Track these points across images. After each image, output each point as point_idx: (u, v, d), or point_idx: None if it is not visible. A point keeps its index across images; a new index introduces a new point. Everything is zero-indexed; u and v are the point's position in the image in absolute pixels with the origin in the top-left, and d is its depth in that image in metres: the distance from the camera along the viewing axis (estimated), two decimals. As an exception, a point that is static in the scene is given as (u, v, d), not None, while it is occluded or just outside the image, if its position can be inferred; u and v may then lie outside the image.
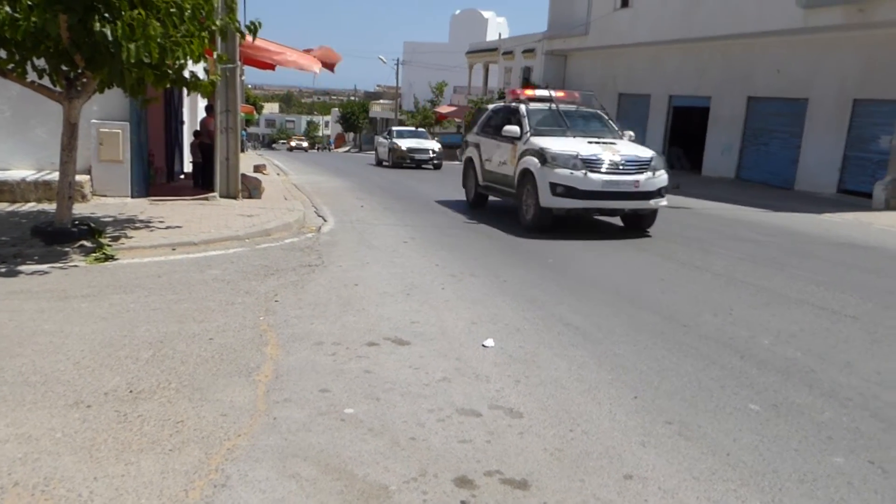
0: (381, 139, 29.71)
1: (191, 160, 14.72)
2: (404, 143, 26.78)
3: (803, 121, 20.65)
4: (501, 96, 37.15)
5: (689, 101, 25.96)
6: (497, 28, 58.50)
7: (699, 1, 23.74)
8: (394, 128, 31.33)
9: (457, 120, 48.84)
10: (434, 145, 27.36)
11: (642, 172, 9.92)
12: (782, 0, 19.87)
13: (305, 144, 73.06)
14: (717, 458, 3.35)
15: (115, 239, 7.74)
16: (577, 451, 3.37)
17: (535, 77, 35.85)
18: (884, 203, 15.63)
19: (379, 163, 28.80)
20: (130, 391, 3.83)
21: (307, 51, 13.92)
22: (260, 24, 8.01)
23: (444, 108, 49.47)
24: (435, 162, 26.81)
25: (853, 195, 18.35)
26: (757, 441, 3.56)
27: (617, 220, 11.11)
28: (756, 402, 4.06)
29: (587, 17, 31.36)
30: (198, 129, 14.36)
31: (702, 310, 6.13)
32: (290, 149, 66.57)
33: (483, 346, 4.90)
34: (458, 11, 65.68)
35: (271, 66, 13.96)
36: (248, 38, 8.26)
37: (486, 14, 63.36)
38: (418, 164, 26.55)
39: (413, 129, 32.09)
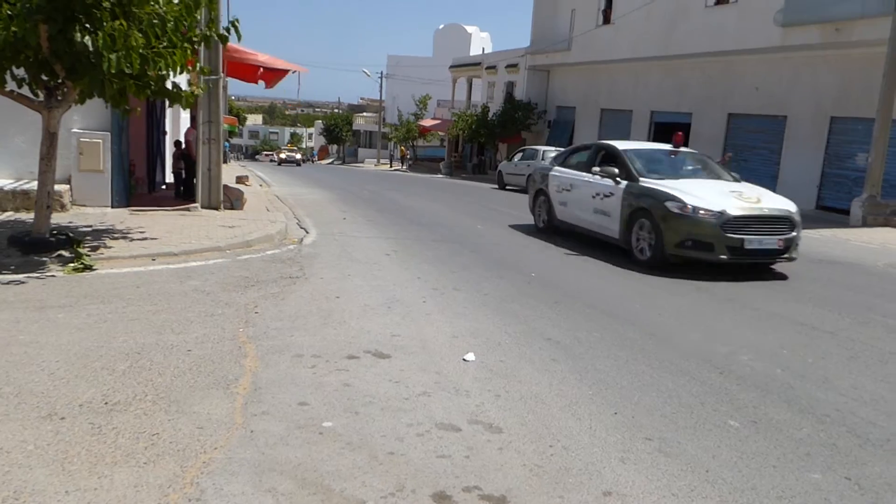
0: (573, 178, 11.00)
1: (172, 170, 14.63)
2: (723, 205, 8.53)
3: (782, 138, 20.95)
4: (486, 109, 37.44)
5: (671, 118, 26.23)
6: (480, 43, 58.93)
7: (679, 19, 24.06)
8: (628, 146, 10.85)
9: (440, 133, 49.01)
10: (787, 205, 9.02)
11: None
12: (761, 19, 20.21)
13: (298, 156, 59.30)
14: (696, 475, 3.36)
15: (94, 249, 7.65)
16: (557, 467, 3.36)
17: (518, 92, 36.11)
18: (861, 220, 15.84)
19: (552, 228, 11.64)
20: (105, 403, 3.77)
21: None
22: (238, 21, 7.85)
23: (427, 122, 49.66)
24: (790, 254, 8.89)
25: (831, 211, 18.61)
26: (736, 457, 3.57)
27: None
28: (735, 419, 4.08)
29: (570, 32, 31.69)
30: (179, 139, 14.29)
31: (682, 326, 6.17)
32: (280, 161, 55.77)
33: (464, 360, 4.89)
34: (441, 26, 66.11)
35: (254, 79, 13.93)
36: (233, 38, 8.16)
37: (469, 29, 63.81)
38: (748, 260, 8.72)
39: (684, 151, 10.96)
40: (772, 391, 4.57)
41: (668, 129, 26.40)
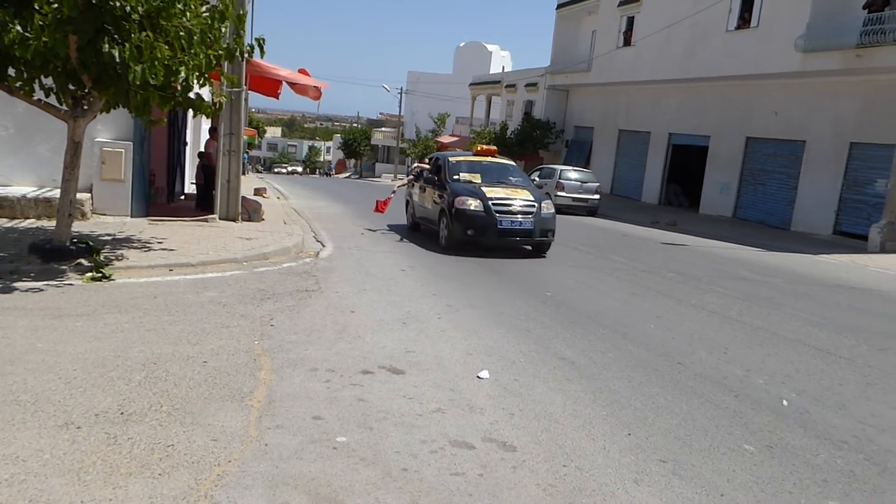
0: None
1: (192, 181, 14.77)
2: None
3: (800, 162, 20.82)
4: (504, 128, 37.55)
5: (689, 140, 26.18)
6: (501, 61, 59.11)
7: (700, 42, 24.06)
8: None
9: (458, 150, 49.13)
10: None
11: None
12: (781, 44, 20.16)
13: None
14: (710, 499, 3.33)
15: (113, 258, 7.73)
16: (571, 488, 3.34)
17: (536, 111, 36.20)
18: (879, 246, 15.69)
19: None
20: (121, 413, 3.80)
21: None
22: (264, 40, 8.03)
23: (445, 138, 49.82)
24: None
25: (849, 237, 18.44)
26: (751, 482, 3.53)
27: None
28: (750, 443, 4.04)
29: (590, 53, 31.79)
30: (202, 150, 14.45)
31: (697, 347, 6.13)
32: (423, 173, 14.17)
33: (478, 377, 4.88)
34: (462, 44, 66.40)
35: (276, 94, 14.06)
36: (256, 53, 8.28)
37: (490, 47, 64.09)
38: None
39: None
40: (787, 416, 4.53)
41: (686, 151, 26.45)
